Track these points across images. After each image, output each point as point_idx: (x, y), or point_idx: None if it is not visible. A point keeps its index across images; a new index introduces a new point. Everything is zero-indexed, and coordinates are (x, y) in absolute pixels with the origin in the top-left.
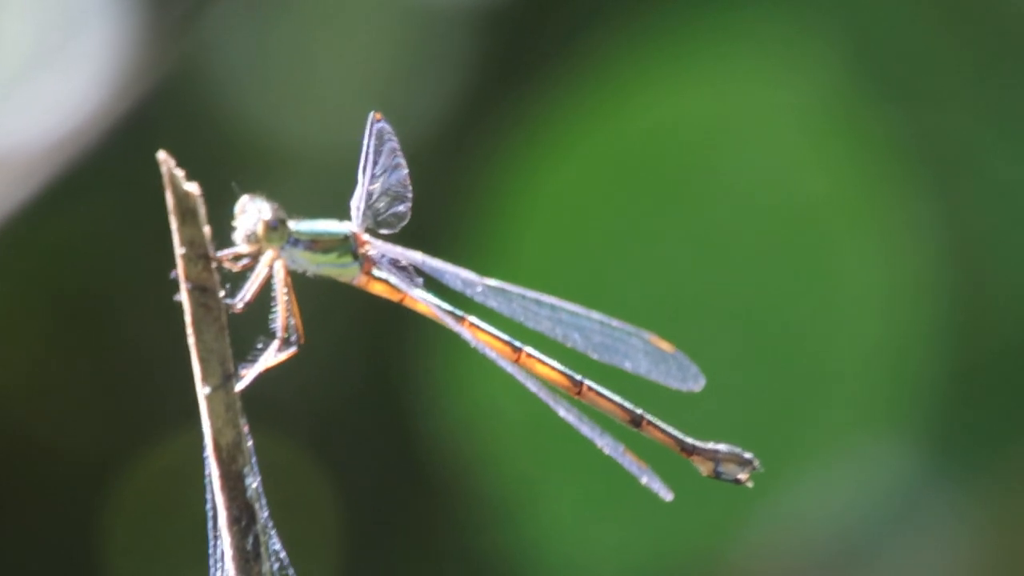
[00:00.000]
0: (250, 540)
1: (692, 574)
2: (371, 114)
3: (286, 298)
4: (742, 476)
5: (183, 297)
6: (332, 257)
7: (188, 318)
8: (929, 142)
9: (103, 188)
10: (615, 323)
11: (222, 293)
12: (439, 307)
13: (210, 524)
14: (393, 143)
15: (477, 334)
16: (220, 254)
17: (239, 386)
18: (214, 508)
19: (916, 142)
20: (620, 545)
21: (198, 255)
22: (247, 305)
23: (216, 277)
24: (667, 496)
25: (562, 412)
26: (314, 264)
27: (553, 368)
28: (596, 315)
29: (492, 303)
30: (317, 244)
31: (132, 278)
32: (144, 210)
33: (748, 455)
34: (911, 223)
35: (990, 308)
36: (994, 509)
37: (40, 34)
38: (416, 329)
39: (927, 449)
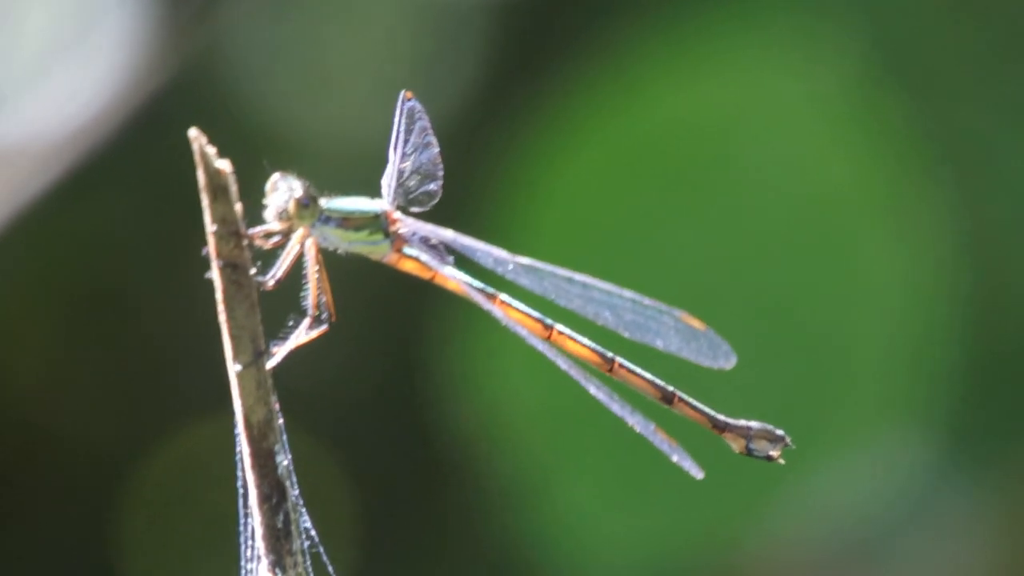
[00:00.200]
0: (280, 517)
1: (709, 563)
2: (402, 92)
3: (317, 276)
4: (774, 453)
5: (214, 274)
6: (363, 235)
7: (219, 295)
8: (948, 134)
9: (119, 180)
10: (647, 301)
11: (253, 270)
12: (470, 285)
13: (240, 502)
14: (424, 121)
15: (508, 311)
16: (251, 231)
17: (270, 363)
18: (245, 486)
19: (935, 133)
20: (638, 533)
21: (230, 232)
22: (278, 282)
23: (247, 254)
24: (698, 474)
25: (592, 390)
26: (345, 242)
27: (584, 345)
28: (628, 293)
29: (523, 281)
30: (348, 222)
31: (149, 269)
32: (160, 201)
33: (780, 431)
34: (929, 214)
35: (1008, 301)
36: (1011, 502)
37: (57, 26)
38: (435, 317)
39: (944, 441)
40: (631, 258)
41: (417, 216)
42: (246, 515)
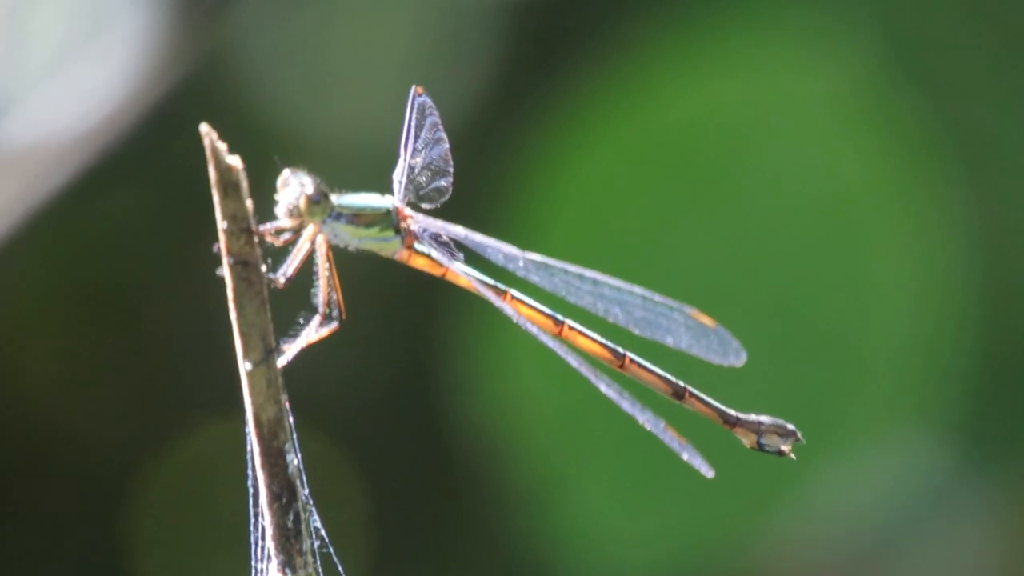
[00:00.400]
0: (291, 517)
1: (721, 564)
2: (413, 88)
3: (328, 273)
4: (785, 447)
5: (225, 271)
6: (374, 231)
7: (230, 292)
8: (961, 133)
9: (132, 179)
10: (657, 298)
11: (264, 267)
12: (480, 281)
13: (251, 501)
14: (434, 117)
15: (519, 308)
16: (262, 228)
17: (281, 361)
18: (255, 485)
19: (948, 133)
20: (650, 535)
21: (240, 229)
22: (289, 280)
23: (258, 251)
24: (708, 473)
25: (603, 387)
26: (356, 238)
27: (595, 341)
28: (639, 290)
29: (534, 277)
30: (359, 218)
31: (160, 269)
32: (172, 201)
33: (791, 426)
34: (942, 214)
35: (1021, 299)
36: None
37: (68, 28)
38: (447, 315)
39: (956, 441)
40: (644, 255)
41: (428, 212)
42: (256, 515)
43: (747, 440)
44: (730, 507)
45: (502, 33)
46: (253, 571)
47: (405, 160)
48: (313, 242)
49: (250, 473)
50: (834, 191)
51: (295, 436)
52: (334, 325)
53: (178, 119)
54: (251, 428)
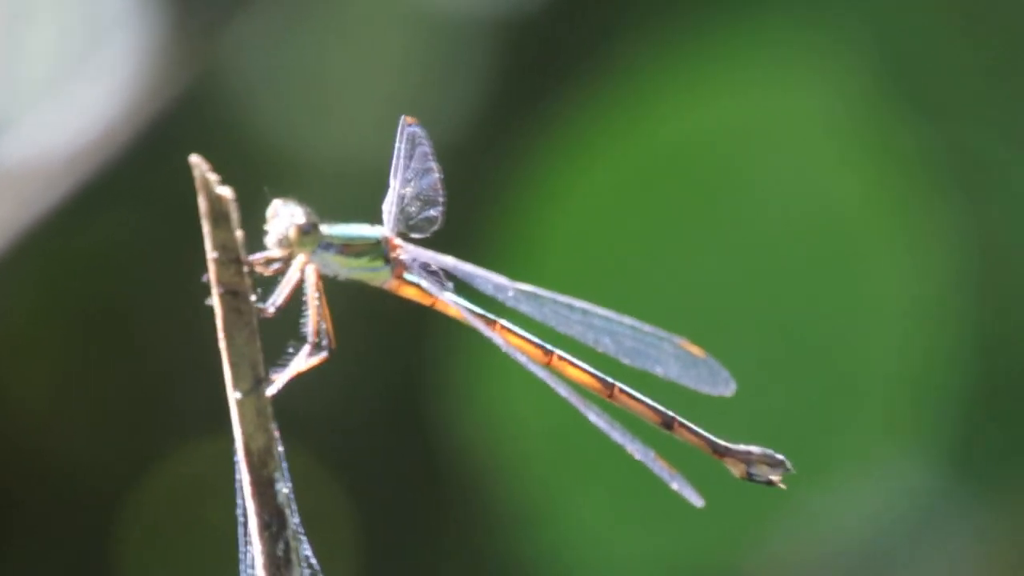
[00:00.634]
0: (281, 546)
1: None
2: (402, 118)
3: (317, 303)
4: (775, 477)
5: (214, 301)
6: (364, 261)
7: (219, 322)
8: (956, 153)
9: (125, 198)
10: (647, 328)
11: (253, 297)
12: (470, 311)
13: (241, 530)
14: (425, 147)
15: (508, 338)
16: (252, 258)
17: (270, 391)
18: (245, 513)
19: (943, 153)
20: (642, 554)
21: (230, 259)
22: (279, 309)
23: (248, 281)
24: (698, 502)
25: (592, 417)
26: (346, 268)
27: (585, 371)
28: (628, 320)
29: (523, 307)
30: (349, 248)
31: (153, 289)
32: (165, 221)
33: (780, 456)
34: (937, 234)
35: (1015, 322)
36: (1015, 525)
37: (62, 46)
38: (437, 340)
39: (949, 464)
40: (636, 276)
41: (417, 242)
42: (246, 543)
43: (736, 470)
44: (721, 530)
45: (496, 55)
46: None
47: (395, 190)
48: (303, 272)
49: (239, 501)
50: (829, 211)
51: (285, 464)
52: (324, 354)
53: (172, 139)
54: (240, 456)
